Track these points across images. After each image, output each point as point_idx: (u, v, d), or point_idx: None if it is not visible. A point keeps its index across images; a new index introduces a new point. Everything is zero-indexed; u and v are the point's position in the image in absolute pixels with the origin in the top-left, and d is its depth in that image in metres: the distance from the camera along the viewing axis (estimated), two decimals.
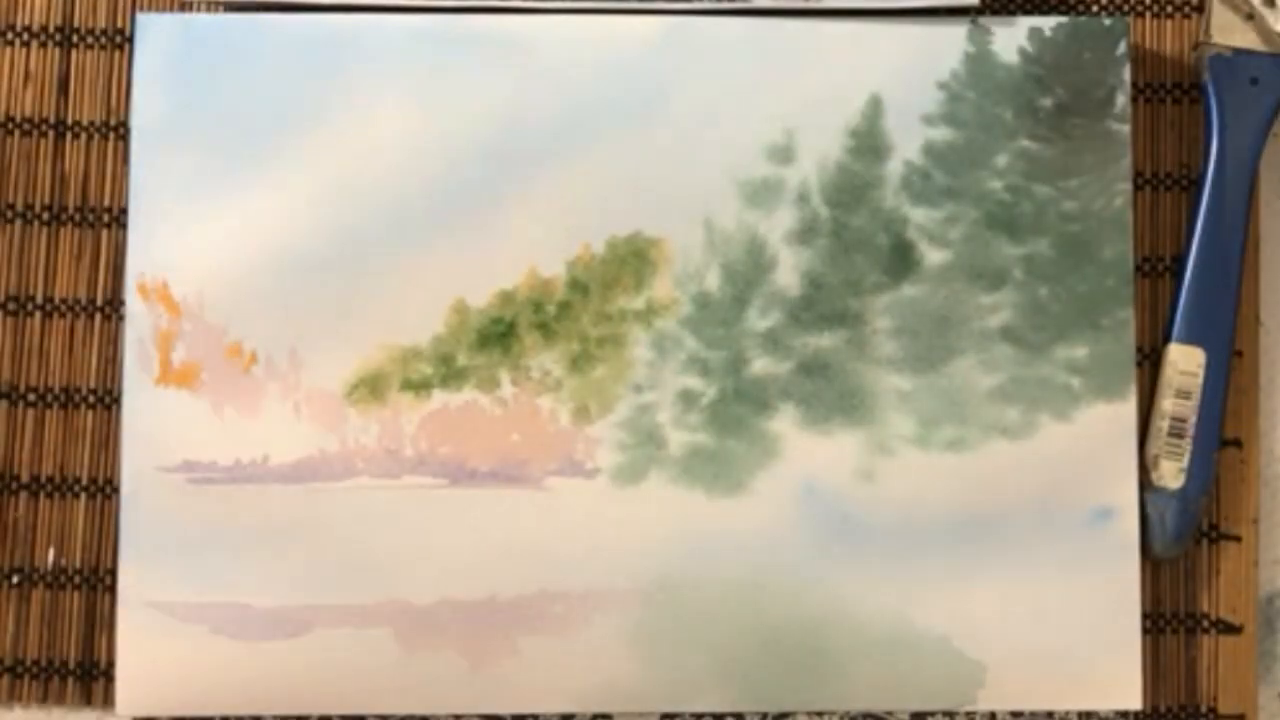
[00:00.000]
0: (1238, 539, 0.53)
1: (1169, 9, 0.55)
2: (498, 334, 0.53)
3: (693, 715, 0.52)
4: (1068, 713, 0.52)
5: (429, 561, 0.52)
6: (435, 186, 0.53)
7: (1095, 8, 0.55)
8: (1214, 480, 0.53)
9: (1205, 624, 0.53)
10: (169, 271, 0.52)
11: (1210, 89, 0.53)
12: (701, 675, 0.52)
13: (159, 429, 0.52)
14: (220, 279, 0.52)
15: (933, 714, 0.52)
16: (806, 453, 0.52)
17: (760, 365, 0.53)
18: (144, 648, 0.51)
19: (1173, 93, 0.55)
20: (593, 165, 0.53)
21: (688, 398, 0.53)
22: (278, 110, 0.53)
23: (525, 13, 0.53)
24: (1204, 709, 0.53)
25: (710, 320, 0.53)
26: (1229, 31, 0.53)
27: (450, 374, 0.53)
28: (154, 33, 0.53)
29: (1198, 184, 0.54)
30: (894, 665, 0.52)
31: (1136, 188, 0.54)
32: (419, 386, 0.52)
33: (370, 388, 0.52)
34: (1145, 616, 0.53)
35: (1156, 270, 0.54)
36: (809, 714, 0.52)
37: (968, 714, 0.52)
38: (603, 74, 0.53)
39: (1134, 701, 0.52)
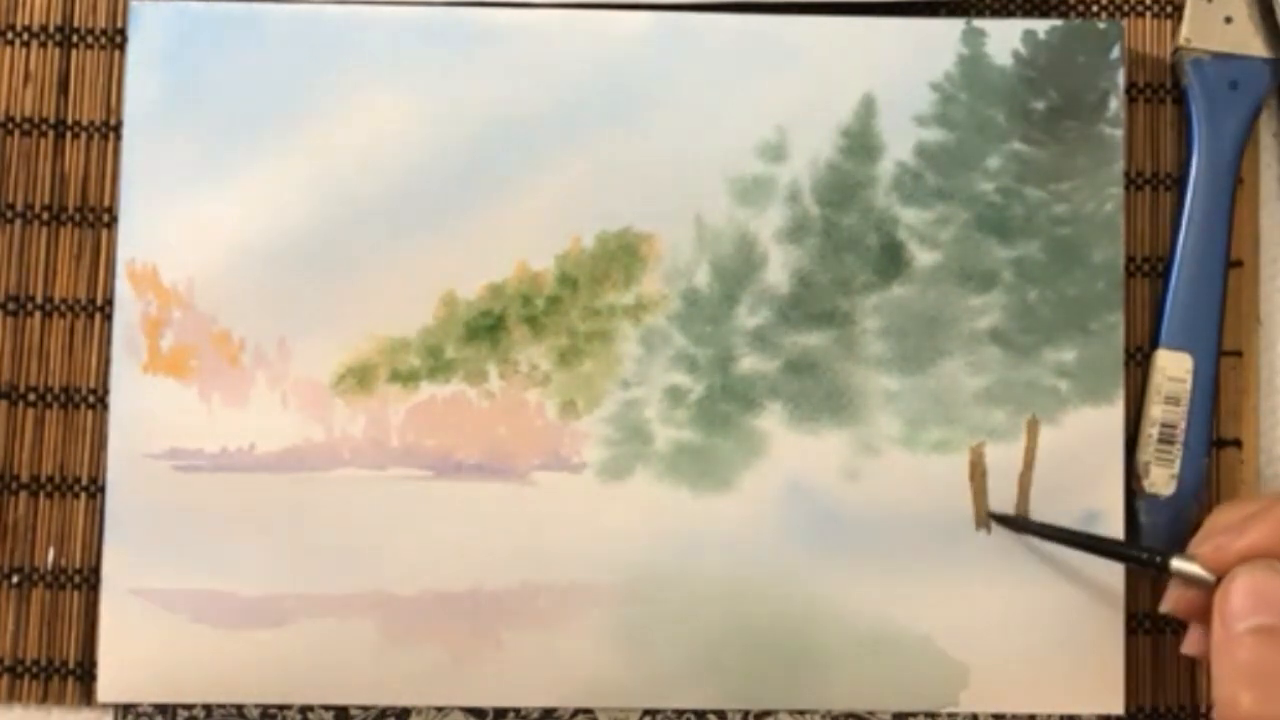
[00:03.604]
0: None
1: (1169, 9, 0.55)
2: (486, 327, 0.53)
3: (675, 711, 0.52)
4: (1050, 716, 0.52)
5: (413, 553, 0.52)
6: (426, 179, 0.53)
7: (1095, 7, 0.55)
8: (1206, 485, 0.53)
9: None
10: (159, 258, 0.53)
11: (1190, 93, 0.53)
12: (684, 672, 0.52)
13: (145, 416, 0.52)
14: (210, 267, 0.53)
15: (915, 715, 0.52)
16: (793, 451, 0.52)
17: (748, 363, 0.53)
18: (126, 635, 0.51)
19: (1172, 93, 0.55)
20: (584, 159, 0.53)
21: (675, 394, 0.53)
22: (271, 99, 0.53)
23: (518, 6, 0.53)
24: (1204, 709, 0.53)
25: (699, 317, 0.53)
26: (1207, 35, 0.53)
27: (438, 366, 0.53)
28: (149, 20, 0.53)
29: (1180, 189, 0.54)
30: (877, 665, 0.52)
31: (1137, 187, 0.54)
32: (406, 378, 0.53)
33: (358, 378, 0.53)
34: (1145, 616, 0.53)
35: (1157, 271, 0.54)
36: (791, 712, 0.52)
37: (950, 715, 0.52)
38: (594, 68, 0.53)
39: (1116, 705, 0.52)
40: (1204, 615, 0.46)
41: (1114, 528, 0.52)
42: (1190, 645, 0.49)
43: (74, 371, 0.54)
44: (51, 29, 0.55)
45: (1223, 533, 0.46)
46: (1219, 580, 0.45)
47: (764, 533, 0.52)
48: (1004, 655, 0.52)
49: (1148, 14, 0.55)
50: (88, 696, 0.52)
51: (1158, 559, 0.48)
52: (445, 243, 0.53)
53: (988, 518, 0.52)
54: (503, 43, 0.53)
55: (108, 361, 0.53)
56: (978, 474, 0.52)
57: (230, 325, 0.52)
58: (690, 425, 0.52)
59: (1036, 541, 0.52)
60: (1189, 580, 0.46)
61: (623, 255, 0.53)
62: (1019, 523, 0.52)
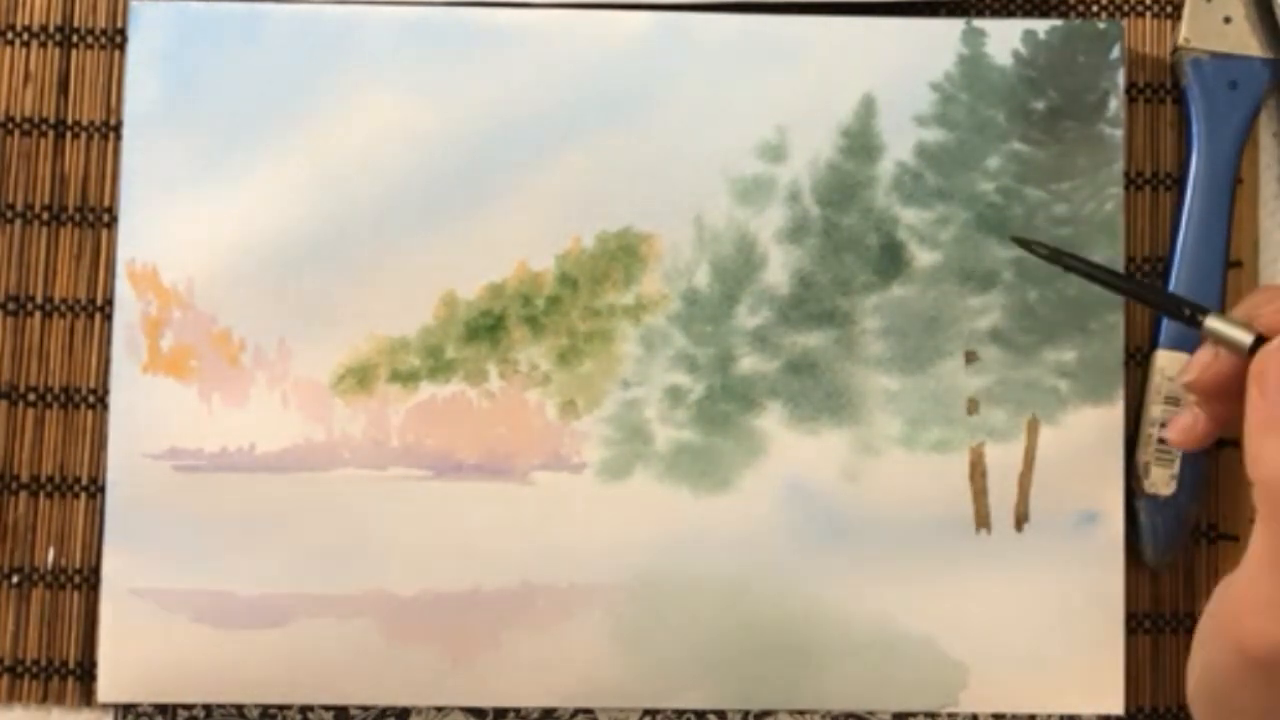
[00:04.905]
0: (1236, 539, 0.53)
1: (1169, 9, 0.55)
2: (486, 327, 0.53)
3: (675, 712, 0.52)
4: (1050, 715, 0.52)
5: (413, 553, 0.52)
6: (426, 179, 0.53)
7: (1095, 7, 0.55)
8: (1205, 486, 0.53)
9: None
10: (159, 258, 0.53)
11: (1190, 93, 0.54)
12: (684, 672, 0.52)
13: (146, 416, 0.52)
14: (210, 267, 0.53)
15: (914, 714, 0.52)
16: (793, 451, 0.52)
17: (748, 363, 0.53)
18: (126, 635, 0.51)
19: (1172, 93, 0.55)
20: (584, 159, 0.53)
21: (675, 394, 0.53)
22: (271, 99, 0.53)
23: (518, 6, 0.53)
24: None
25: (699, 317, 0.53)
26: (1207, 35, 0.53)
27: (438, 366, 0.53)
28: (149, 20, 0.53)
29: (1179, 189, 0.54)
30: (877, 665, 0.52)
31: (1137, 187, 0.54)
32: (406, 378, 0.53)
33: (358, 378, 0.53)
34: (1145, 616, 0.53)
35: (1157, 271, 0.54)
36: (791, 712, 0.52)
37: (950, 715, 0.52)
38: (595, 68, 0.53)
39: (1116, 706, 0.52)
40: (1222, 391, 0.44)
41: (1114, 528, 0.52)
42: (1178, 430, 0.47)
43: (74, 371, 0.54)
44: (51, 29, 0.55)
45: (1268, 301, 0.44)
46: (1253, 349, 0.43)
47: (764, 533, 0.52)
48: (1004, 655, 0.52)
49: (1148, 14, 0.55)
50: (88, 696, 0.52)
51: (1188, 311, 0.46)
52: (445, 243, 0.53)
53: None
54: (503, 43, 0.53)
55: (108, 361, 0.53)
56: (978, 474, 0.52)
57: (230, 325, 0.52)
58: (690, 425, 0.52)
59: (1036, 542, 0.52)
60: (1223, 342, 0.44)
61: (623, 255, 0.53)
62: (1047, 251, 0.48)
